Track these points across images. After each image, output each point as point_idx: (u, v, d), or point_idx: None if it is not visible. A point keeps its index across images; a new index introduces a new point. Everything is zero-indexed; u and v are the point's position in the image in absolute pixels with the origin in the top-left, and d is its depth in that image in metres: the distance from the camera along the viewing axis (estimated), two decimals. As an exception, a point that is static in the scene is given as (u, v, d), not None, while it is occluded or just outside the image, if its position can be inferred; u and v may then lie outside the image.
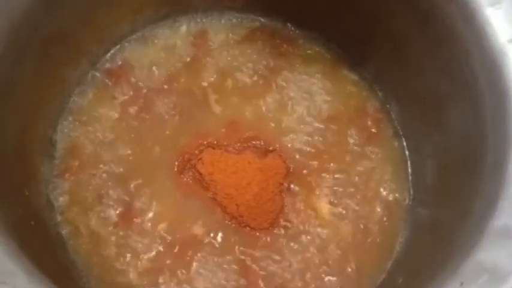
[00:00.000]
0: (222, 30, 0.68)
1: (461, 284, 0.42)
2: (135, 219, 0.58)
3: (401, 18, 0.57)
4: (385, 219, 0.61)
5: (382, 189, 0.62)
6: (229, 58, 0.66)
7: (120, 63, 0.65)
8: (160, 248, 0.57)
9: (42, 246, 0.52)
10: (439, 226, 0.54)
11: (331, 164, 0.62)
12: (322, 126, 0.64)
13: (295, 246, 0.58)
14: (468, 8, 0.50)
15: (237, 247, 0.58)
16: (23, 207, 0.53)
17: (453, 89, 0.54)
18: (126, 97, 0.63)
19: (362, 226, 0.60)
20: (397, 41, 0.60)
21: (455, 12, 0.51)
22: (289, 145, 0.62)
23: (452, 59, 0.53)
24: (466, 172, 0.52)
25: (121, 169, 0.60)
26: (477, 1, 0.50)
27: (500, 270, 0.41)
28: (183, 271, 0.57)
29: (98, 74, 0.64)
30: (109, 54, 0.65)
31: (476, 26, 0.50)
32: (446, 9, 0.52)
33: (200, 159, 0.60)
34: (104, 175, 0.60)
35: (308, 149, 0.63)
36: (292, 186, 0.61)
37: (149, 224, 0.58)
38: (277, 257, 0.58)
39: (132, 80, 0.64)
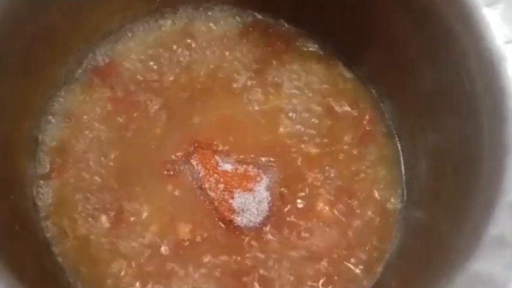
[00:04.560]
0: (213, 26, 0.66)
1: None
2: (124, 222, 0.57)
3: (398, 17, 0.56)
4: (378, 220, 0.60)
5: (375, 190, 0.61)
6: (220, 55, 0.65)
7: (107, 61, 0.63)
8: (151, 252, 0.56)
9: (28, 251, 0.51)
10: (433, 231, 0.54)
11: (323, 164, 0.61)
12: (314, 124, 0.63)
13: (287, 250, 0.58)
14: (465, 8, 0.49)
15: (228, 250, 0.57)
16: (8, 212, 0.51)
17: (449, 90, 0.53)
18: (113, 96, 0.62)
19: (354, 228, 0.59)
20: (393, 40, 0.59)
21: (452, 13, 0.50)
22: (281, 144, 0.61)
23: (449, 60, 0.52)
24: (461, 176, 0.51)
25: (109, 170, 0.59)
26: (474, 1, 0.49)
27: (495, 282, 0.41)
28: (174, 274, 0.56)
29: (84, 72, 0.63)
30: (96, 52, 0.63)
31: (473, 27, 0.49)
32: (442, 10, 0.51)
33: (191, 160, 0.59)
34: (92, 176, 0.59)
35: (300, 148, 0.62)
36: (284, 187, 0.60)
37: (139, 227, 0.57)
38: (268, 262, 0.57)
39: (120, 78, 0.63)
